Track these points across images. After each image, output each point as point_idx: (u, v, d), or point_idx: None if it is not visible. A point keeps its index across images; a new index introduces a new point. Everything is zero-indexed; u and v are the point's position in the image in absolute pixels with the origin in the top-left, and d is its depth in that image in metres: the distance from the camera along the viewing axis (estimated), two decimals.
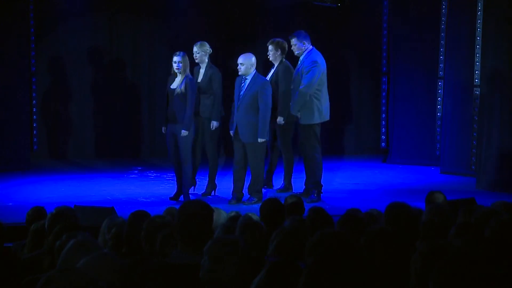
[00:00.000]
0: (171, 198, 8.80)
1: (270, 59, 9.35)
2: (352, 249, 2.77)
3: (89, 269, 2.93)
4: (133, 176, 10.77)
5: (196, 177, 9.35)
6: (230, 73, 9.96)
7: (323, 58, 8.99)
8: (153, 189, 9.51)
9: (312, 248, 2.96)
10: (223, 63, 11.17)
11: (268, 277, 2.70)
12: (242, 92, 8.66)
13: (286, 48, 9.26)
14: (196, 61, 9.19)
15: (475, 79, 10.49)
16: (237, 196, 8.77)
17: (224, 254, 3.19)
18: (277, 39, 9.36)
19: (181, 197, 8.76)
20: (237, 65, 8.73)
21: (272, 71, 9.31)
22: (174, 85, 8.68)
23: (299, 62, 8.97)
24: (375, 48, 12.93)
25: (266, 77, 9.13)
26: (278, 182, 9.63)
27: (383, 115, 12.77)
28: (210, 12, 12.80)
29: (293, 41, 8.99)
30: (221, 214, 5.39)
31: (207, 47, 9.15)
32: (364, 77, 13.35)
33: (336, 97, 13.39)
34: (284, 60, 9.30)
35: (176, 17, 12.66)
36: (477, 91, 10.37)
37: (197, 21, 12.60)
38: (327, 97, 9.03)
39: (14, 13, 11.22)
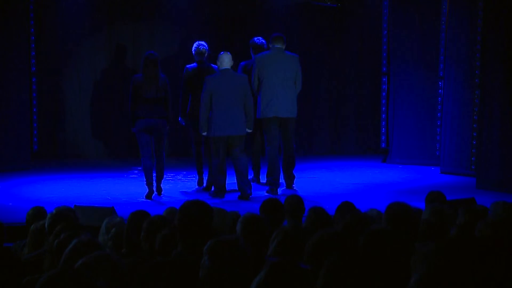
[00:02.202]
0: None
1: None
2: (352, 249, 2.77)
3: (87, 269, 2.93)
4: (133, 176, 10.76)
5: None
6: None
7: (271, 56, 9.23)
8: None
9: (312, 248, 2.96)
10: None
11: (269, 277, 2.70)
12: None
13: (256, 46, 9.73)
14: None
15: (475, 79, 10.50)
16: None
17: (224, 254, 3.19)
18: None
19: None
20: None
21: None
22: None
23: None
24: (375, 48, 12.93)
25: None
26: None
27: (383, 115, 12.77)
28: (210, 12, 12.80)
29: None
30: (226, 216, 5.34)
31: (196, 47, 9.49)
32: (364, 77, 13.35)
33: (336, 97, 13.45)
34: (253, 57, 9.63)
35: (176, 17, 12.67)
36: (477, 91, 10.37)
37: (197, 21, 12.61)
38: (269, 94, 9.15)
39: (14, 13, 11.22)
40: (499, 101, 9.64)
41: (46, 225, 4.80)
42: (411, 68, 11.95)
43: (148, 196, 8.99)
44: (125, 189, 9.63)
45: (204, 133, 8.87)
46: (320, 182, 10.09)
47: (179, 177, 10.63)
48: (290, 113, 9.21)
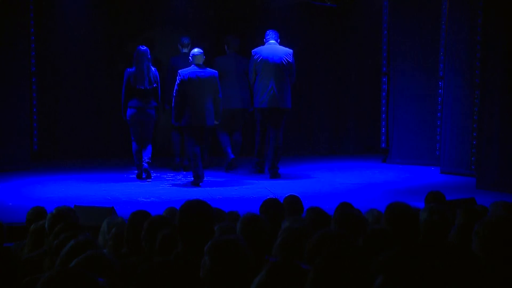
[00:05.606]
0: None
1: None
2: (352, 249, 2.77)
3: (81, 269, 2.92)
4: (133, 176, 10.76)
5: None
6: None
7: (266, 50, 10.13)
8: (153, 189, 9.51)
9: (312, 248, 2.96)
10: None
11: (269, 277, 2.70)
12: None
13: (230, 42, 11.03)
14: None
15: (475, 79, 10.50)
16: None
17: (225, 254, 3.19)
18: None
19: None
20: None
21: None
22: None
23: None
24: (375, 48, 12.92)
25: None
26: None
27: (383, 115, 12.76)
28: (210, 12, 12.80)
29: None
30: (226, 216, 5.29)
31: (180, 42, 11.02)
32: (364, 77, 13.34)
33: (336, 97, 13.44)
34: (228, 53, 11.08)
35: (176, 17, 12.66)
36: (477, 91, 10.37)
37: (196, 21, 12.61)
38: (265, 86, 10.02)
39: (14, 13, 11.22)
40: (499, 101, 9.64)
41: (46, 225, 4.80)
42: (411, 68, 11.94)
43: (139, 176, 10.05)
44: (125, 189, 9.63)
45: (177, 123, 9.68)
46: (320, 182, 10.08)
47: (179, 177, 10.63)
48: (284, 104, 10.04)
